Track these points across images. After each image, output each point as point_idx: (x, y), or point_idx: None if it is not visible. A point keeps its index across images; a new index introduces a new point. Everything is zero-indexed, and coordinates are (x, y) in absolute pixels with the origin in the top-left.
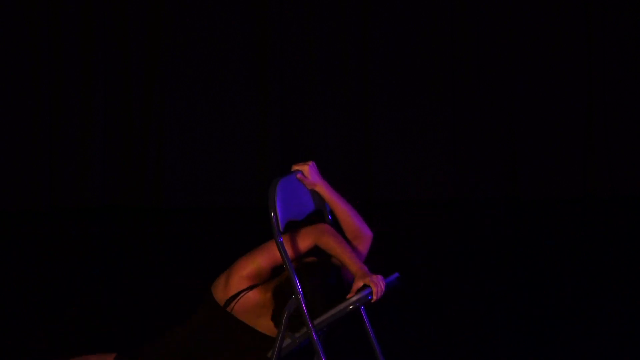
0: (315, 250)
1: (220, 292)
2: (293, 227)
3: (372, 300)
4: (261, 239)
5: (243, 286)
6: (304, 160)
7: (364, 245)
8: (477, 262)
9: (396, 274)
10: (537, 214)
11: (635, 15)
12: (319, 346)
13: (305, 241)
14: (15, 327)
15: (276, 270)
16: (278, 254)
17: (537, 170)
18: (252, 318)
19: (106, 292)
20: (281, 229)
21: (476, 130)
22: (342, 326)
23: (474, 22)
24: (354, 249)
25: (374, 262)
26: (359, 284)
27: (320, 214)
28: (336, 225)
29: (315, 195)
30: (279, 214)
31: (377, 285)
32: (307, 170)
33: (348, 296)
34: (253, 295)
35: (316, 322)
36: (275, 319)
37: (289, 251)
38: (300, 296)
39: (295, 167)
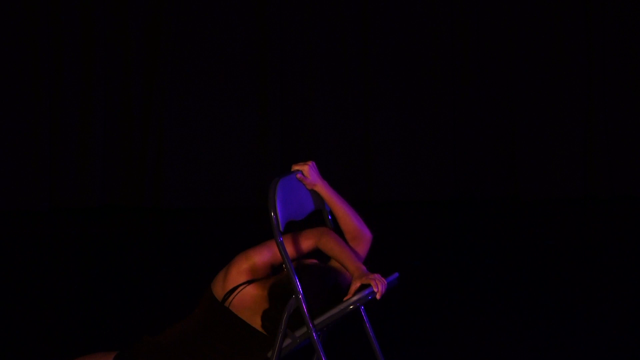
0: (315, 253)
1: (219, 286)
2: (293, 228)
3: (378, 297)
4: (261, 239)
5: (241, 280)
6: (304, 160)
7: (363, 247)
8: (477, 262)
9: (396, 274)
10: (537, 214)
11: (635, 15)
12: (319, 346)
13: (305, 242)
14: (15, 327)
15: (275, 269)
16: (277, 251)
17: (537, 170)
18: (249, 315)
19: (106, 292)
20: (281, 229)
21: (476, 130)
22: (342, 326)
23: (474, 22)
24: (353, 250)
25: (374, 262)
26: (357, 284)
27: (320, 214)
28: (336, 225)
29: (315, 195)
30: (279, 214)
31: (378, 283)
32: (307, 170)
33: (346, 298)
34: (251, 290)
35: (316, 322)
36: (264, 320)
37: (289, 251)
38: (300, 296)
39: (295, 167)
